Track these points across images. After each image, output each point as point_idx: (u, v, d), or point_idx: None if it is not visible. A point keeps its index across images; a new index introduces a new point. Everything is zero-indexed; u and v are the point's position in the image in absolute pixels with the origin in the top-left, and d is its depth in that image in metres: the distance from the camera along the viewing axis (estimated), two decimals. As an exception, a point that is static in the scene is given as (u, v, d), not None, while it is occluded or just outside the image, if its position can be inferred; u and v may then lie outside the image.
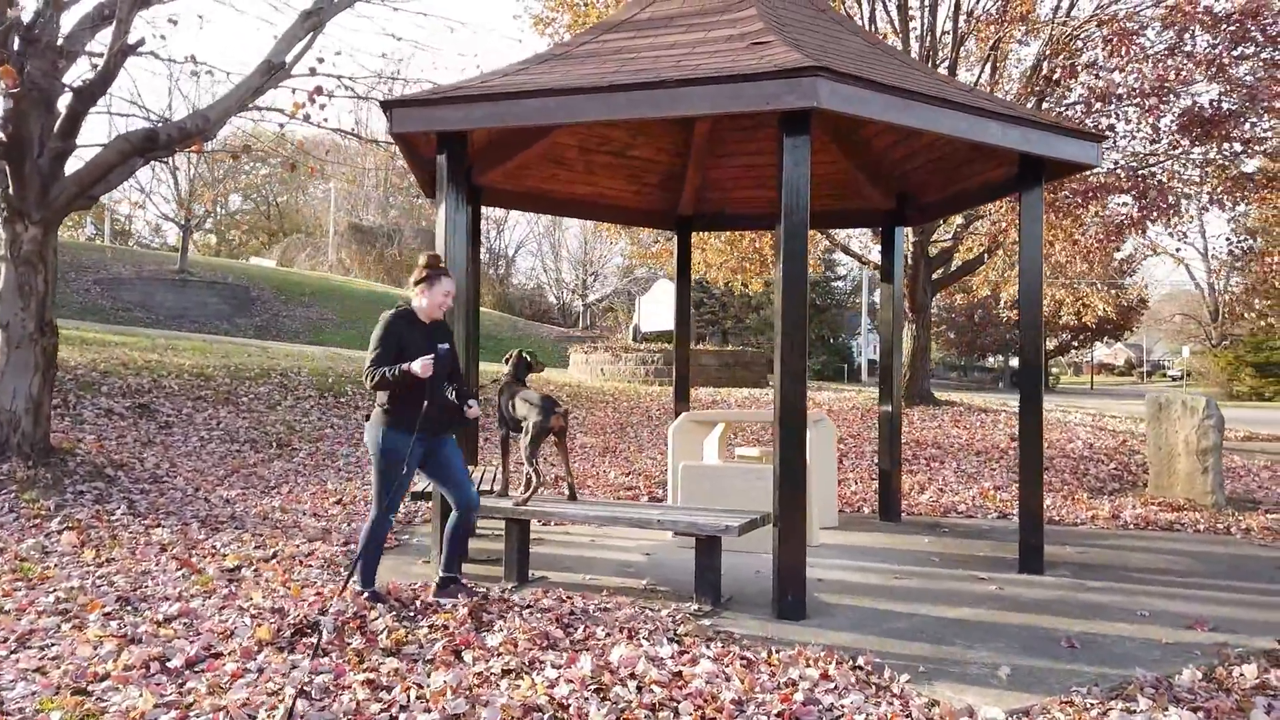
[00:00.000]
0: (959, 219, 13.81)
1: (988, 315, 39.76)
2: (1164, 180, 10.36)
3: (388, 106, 5.15)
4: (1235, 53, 9.46)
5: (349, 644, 3.88)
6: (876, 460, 9.75)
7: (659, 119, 7.15)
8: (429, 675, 3.51)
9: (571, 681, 3.47)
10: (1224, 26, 9.33)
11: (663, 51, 5.26)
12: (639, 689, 3.45)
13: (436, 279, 4.54)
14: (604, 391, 16.31)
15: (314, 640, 3.91)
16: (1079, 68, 10.60)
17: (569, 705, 3.28)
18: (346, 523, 6.82)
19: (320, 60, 7.47)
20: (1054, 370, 56.87)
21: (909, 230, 13.60)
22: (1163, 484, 8.37)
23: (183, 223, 32.78)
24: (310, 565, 5.43)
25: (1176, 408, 8.26)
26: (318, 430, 10.83)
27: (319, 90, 7.67)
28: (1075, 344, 49.52)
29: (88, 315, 26.01)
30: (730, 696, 3.35)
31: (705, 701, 3.33)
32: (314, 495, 7.89)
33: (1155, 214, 9.80)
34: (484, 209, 7.27)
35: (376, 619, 4.23)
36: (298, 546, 5.89)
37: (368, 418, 4.57)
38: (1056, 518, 7.60)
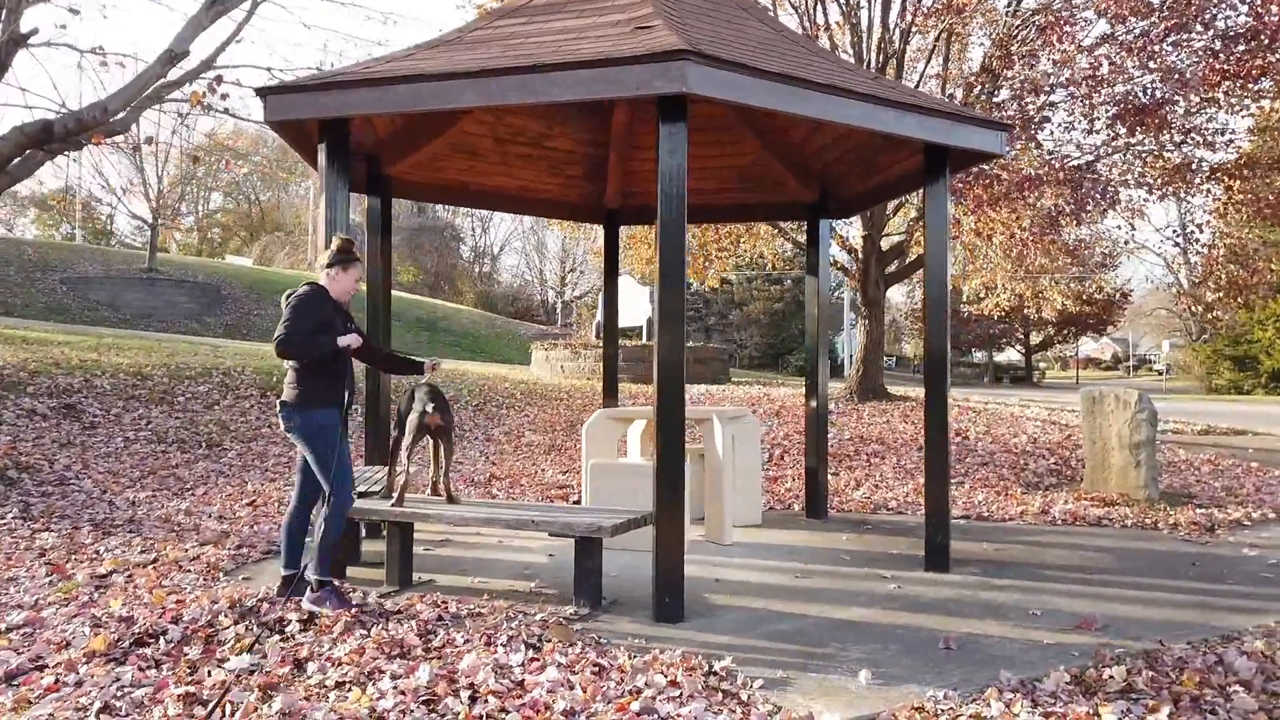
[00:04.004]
0: (913, 212, 13.69)
1: (970, 311, 39.68)
2: (1103, 171, 10.24)
3: (263, 93, 4.97)
4: (1170, 40, 9.32)
5: (186, 654, 3.71)
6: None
7: (565, 107, 7.00)
8: (254, 688, 3.34)
9: (404, 693, 3.31)
10: (1158, 14, 9.20)
11: (550, 37, 5.09)
12: (473, 699, 3.29)
13: (350, 264, 4.63)
14: (560, 389, 16.13)
15: (149, 651, 3.73)
16: (1015, 57, 10.47)
17: (387, 718, 3.11)
18: (251, 524, 6.64)
19: (221, 49, 7.29)
20: (1041, 365, 56.76)
21: (859, 224, 13.49)
22: (1097, 479, 8.25)
23: (151, 221, 32.41)
24: (189, 570, 5.24)
25: (1109, 401, 8.14)
26: (253, 430, 10.62)
27: (219, 80, 7.47)
28: (1059, 339, 49.32)
29: (53, 315, 25.62)
30: (563, 707, 3.19)
31: (536, 712, 3.18)
32: (229, 496, 7.69)
33: (1090, 206, 9.68)
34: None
35: (228, 628, 4.06)
36: (185, 550, 5.70)
37: (285, 404, 4.45)
38: (986, 513, 7.48)
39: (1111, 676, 3.57)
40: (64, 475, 7.63)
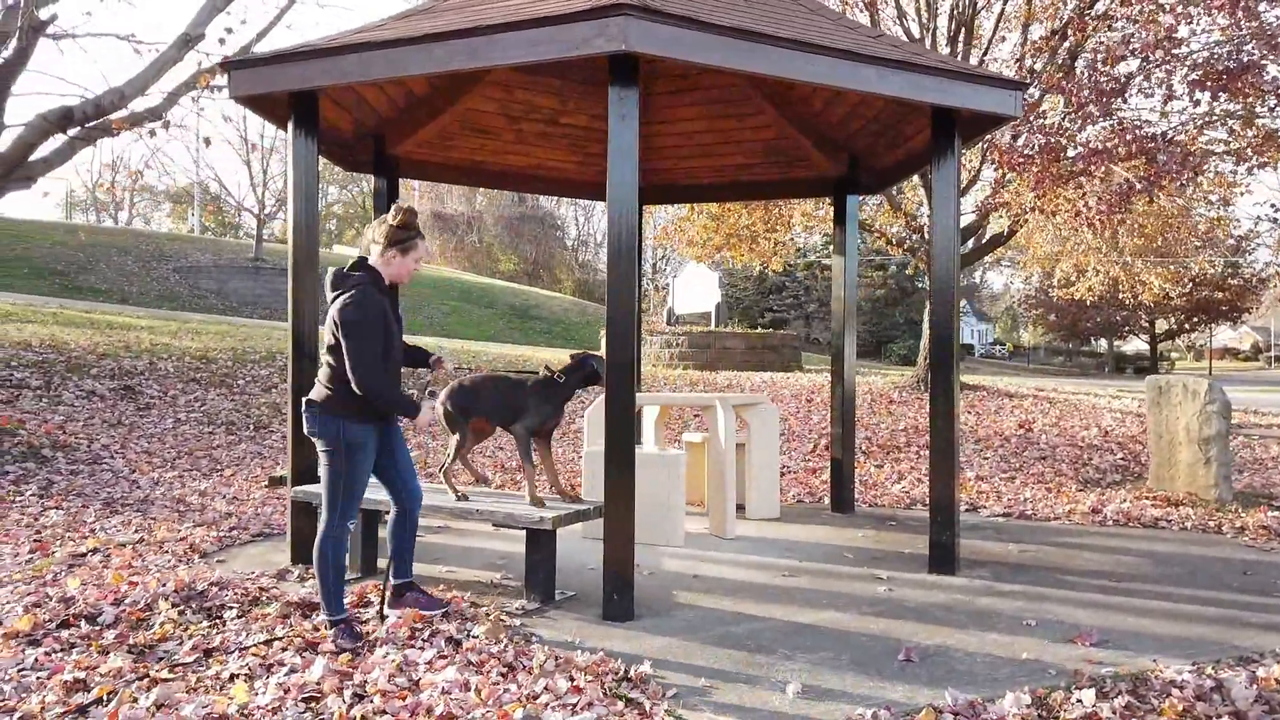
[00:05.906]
0: (986, 189, 12.88)
1: (1057, 296, 37.54)
2: (1183, 141, 9.31)
3: (228, 68, 4.90)
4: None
5: (103, 639, 3.64)
6: (860, 448, 9.10)
7: (573, 81, 6.76)
8: (142, 677, 3.24)
9: (288, 689, 3.14)
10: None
11: (517, 1, 4.85)
12: (358, 698, 3.10)
13: (412, 244, 3.86)
14: (625, 375, 15.93)
15: (68, 634, 3.69)
16: (1088, 20, 9.60)
17: (255, 715, 2.95)
18: (259, 507, 6.65)
19: (229, 31, 7.32)
20: (1172, 355, 53.27)
21: (926, 202, 12.77)
22: (1163, 476, 7.54)
23: (257, 212, 33.68)
24: (168, 552, 5.24)
25: (1177, 391, 7.42)
26: (304, 413, 10.76)
27: (226, 60, 7.49)
28: (1189, 326, 45.75)
29: (164, 302, 26.87)
30: (441, 710, 2.97)
31: (413, 715, 2.97)
32: (253, 478, 7.76)
33: (1167, 179, 8.79)
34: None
35: (163, 612, 3.99)
36: (176, 531, 5.72)
37: (311, 403, 3.75)
38: (1029, 512, 6.92)
39: (1079, 701, 3.14)
40: (99, 455, 7.84)
